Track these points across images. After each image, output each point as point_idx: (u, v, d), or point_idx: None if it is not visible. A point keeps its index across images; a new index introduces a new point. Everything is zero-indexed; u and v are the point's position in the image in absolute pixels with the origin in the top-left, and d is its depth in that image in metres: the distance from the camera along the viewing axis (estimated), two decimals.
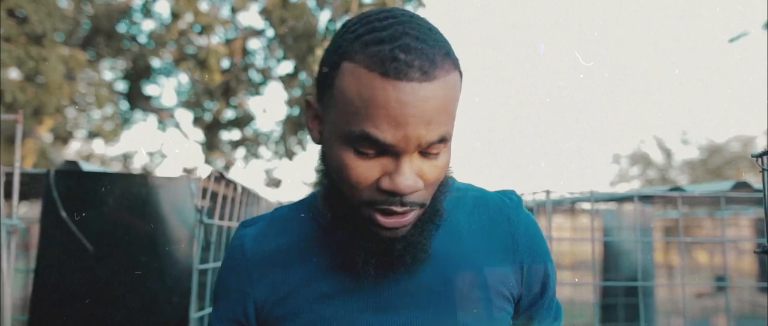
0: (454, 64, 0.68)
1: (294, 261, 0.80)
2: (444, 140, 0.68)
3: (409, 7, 10.93)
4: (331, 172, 0.72)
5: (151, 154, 12.90)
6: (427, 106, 0.64)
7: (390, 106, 0.63)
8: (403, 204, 0.68)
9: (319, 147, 0.76)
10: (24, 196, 2.61)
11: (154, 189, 1.93)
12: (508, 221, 0.83)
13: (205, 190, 1.99)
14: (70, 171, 1.92)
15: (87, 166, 2.06)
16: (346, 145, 0.68)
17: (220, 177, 2.05)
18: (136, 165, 12.85)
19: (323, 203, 0.79)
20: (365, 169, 0.68)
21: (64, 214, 1.82)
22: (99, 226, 1.88)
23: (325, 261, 0.79)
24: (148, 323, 1.86)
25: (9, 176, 1.84)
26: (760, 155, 0.55)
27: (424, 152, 0.69)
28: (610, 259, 4.15)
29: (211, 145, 11.58)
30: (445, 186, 0.76)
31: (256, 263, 0.82)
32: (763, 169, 0.54)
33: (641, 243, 3.87)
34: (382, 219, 0.69)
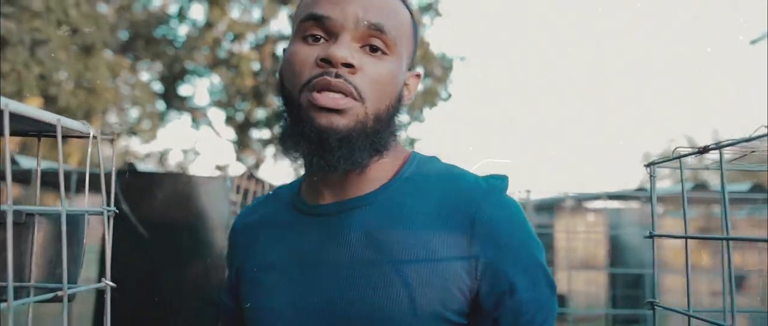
0: None
1: (259, 234, 0.86)
2: (383, 32, 0.72)
3: (427, 18, 11.19)
4: (284, 81, 0.76)
5: (185, 152, 13.44)
6: None
7: None
8: (337, 77, 0.69)
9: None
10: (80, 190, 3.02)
11: (195, 187, 2.30)
12: (471, 205, 0.72)
13: (238, 187, 2.36)
14: (129, 171, 2.32)
15: (142, 167, 2.45)
16: (297, 41, 0.75)
17: (251, 176, 2.42)
18: (171, 162, 13.40)
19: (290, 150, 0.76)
20: (308, 51, 0.73)
21: (124, 206, 2.21)
22: (151, 216, 2.26)
23: (279, 234, 0.82)
24: (192, 296, 2.23)
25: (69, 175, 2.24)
26: (650, 164, 0.56)
27: (369, 47, 0.73)
28: (615, 254, 4.40)
29: (242, 144, 12.00)
30: (392, 114, 0.76)
31: (238, 237, 0.90)
32: (652, 176, 0.56)
33: (641, 240, 4.11)
34: (317, 96, 0.69)
